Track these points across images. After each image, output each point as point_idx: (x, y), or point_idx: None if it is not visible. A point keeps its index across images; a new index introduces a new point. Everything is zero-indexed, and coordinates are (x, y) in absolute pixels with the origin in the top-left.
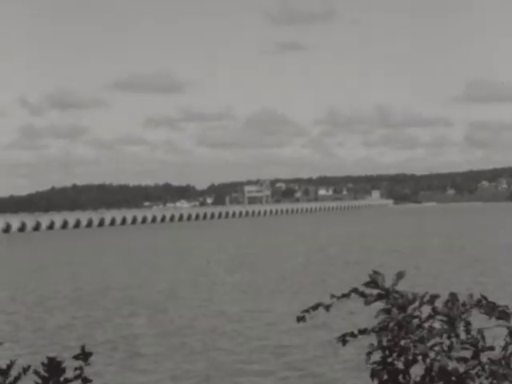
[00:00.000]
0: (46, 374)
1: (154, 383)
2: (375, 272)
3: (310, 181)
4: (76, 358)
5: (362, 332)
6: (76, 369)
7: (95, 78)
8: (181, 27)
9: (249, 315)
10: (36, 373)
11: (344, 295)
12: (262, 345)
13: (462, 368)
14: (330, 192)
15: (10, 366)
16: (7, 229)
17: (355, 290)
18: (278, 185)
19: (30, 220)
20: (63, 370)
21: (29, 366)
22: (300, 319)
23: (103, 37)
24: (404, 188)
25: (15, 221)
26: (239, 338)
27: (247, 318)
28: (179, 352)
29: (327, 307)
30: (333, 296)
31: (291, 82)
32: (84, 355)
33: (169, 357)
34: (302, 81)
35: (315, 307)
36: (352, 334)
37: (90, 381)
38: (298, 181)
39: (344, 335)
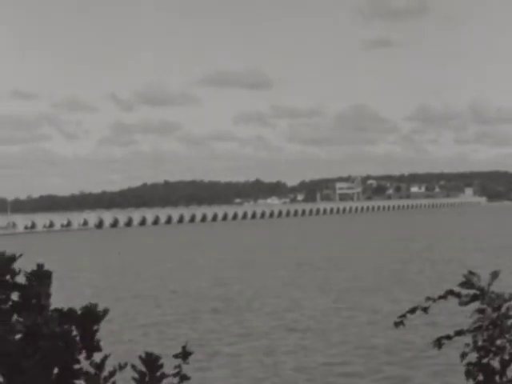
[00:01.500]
0: (144, 369)
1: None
2: (470, 272)
3: (401, 178)
4: (176, 356)
5: (458, 334)
6: (175, 366)
7: (185, 74)
8: (270, 23)
9: (341, 314)
10: (133, 367)
11: (440, 297)
12: (356, 346)
13: None
14: (423, 189)
15: (104, 360)
16: (100, 224)
17: (451, 292)
18: (369, 181)
19: (122, 216)
20: (161, 366)
21: (125, 363)
22: (398, 324)
23: (193, 33)
24: (498, 185)
25: (108, 216)
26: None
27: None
28: (260, 352)
29: (425, 309)
30: (429, 298)
31: (382, 78)
32: (184, 354)
33: (248, 357)
34: (392, 77)
35: (412, 311)
36: (448, 337)
37: (188, 378)
38: (389, 178)
39: (439, 338)
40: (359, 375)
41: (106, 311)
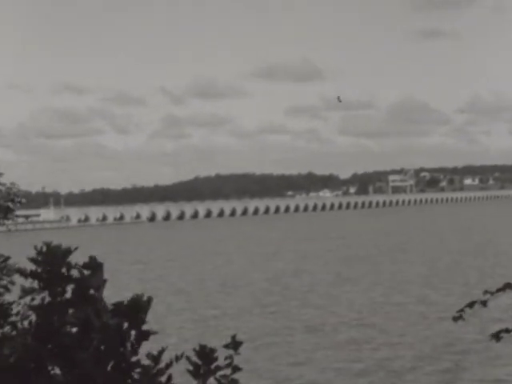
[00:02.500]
0: (198, 361)
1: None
2: None
3: (455, 170)
4: (226, 347)
5: None
6: (226, 357)
7: (236, 67)
8: (321, 15)
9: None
10: (187, 359)
11: (499, 290)
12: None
13: None
14: (476, 181)
15: (160, 353)
16: (152, 218)
17: (509, 285)
18: (422, 174)
19: (174, 209)
20: (215, 358)
21: (182, 354)
22: (457, 319)
23: (243, 26)
24: None
25: (160, 210)
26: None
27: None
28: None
29: (483, 303)
30: (486, 292)
31: (433, 69)
32: (234, 344)
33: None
34: (444, 68)
35: (471, 305)
36: (506, 330)
37: (240, 369)
38: (442, 170)
39: (498, 332)
40: (411, 369)
41: (150, 300)
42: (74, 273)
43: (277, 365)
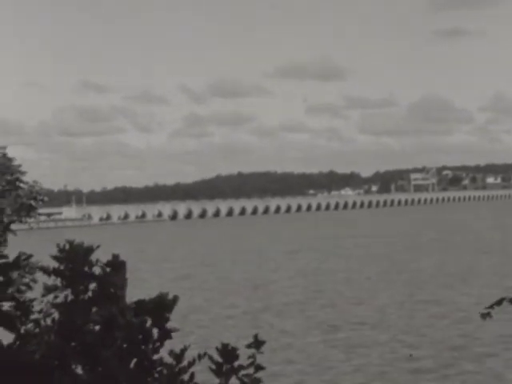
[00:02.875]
0: (220, 360)
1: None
2: None
3: (477, 168)
4: (249, 346)
5: None
6: (249, 357)
7: (256, 66)
8: (342, 14)
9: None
10: (210, 358)
11: None
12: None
13: None
14: (499, 180)
15: (183, 351)
16: (174, 216)
17: None
18: (444, 172)
19: (196, 207)
20: (237, 357)
21: (204, 353)
22: (485, 316)
23: (263, 25)
24: None
25: (182, 208)
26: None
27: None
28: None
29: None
30: None
31: (455, 67)
32: (256, 343)
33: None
34: (466, 67)
35: (499, 302)
36: None
37: (263, 368)
38: (465, 168)
39: None
40: (430, 370)
41: (175, 299)
42: (97, 271)
43: (295, 364)
